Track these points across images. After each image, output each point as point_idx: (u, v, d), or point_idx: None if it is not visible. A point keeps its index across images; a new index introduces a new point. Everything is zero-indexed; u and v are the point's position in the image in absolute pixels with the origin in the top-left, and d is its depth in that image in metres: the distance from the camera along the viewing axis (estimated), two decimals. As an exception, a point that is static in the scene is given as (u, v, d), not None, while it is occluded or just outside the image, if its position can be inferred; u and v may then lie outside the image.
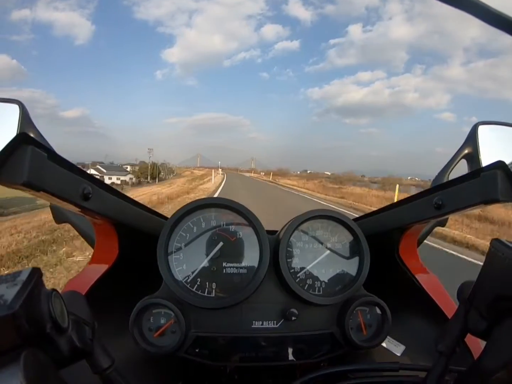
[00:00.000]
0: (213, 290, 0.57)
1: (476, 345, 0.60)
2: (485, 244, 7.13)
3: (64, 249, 5.17)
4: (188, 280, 0.57)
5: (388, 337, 0.60)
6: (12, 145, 0.34)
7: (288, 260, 0.60)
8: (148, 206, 0.67)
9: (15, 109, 0.62)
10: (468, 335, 0.42)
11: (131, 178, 73.78)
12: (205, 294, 0.57)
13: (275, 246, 0.60)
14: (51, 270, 4.26)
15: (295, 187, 35.63)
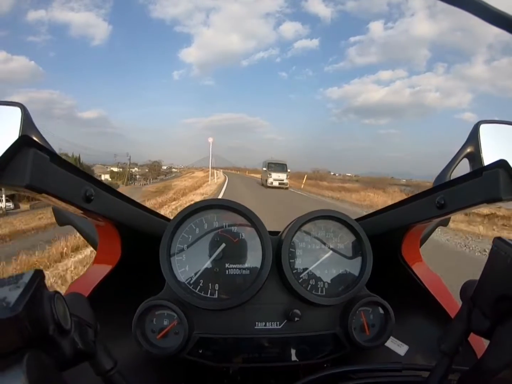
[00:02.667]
0: (216, 292, 0.57)
1: (479, 344, 0.59)
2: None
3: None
4: (191, 282, 0.57)
5: (391, 337, 0.60)
6: (14, 148, 0.34)
7: (291, 261, 0.59)
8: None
9: (17, 112, 0.62)
10: (471, 334, 0.42)
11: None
12: (208, 296, 0.57)
13: (277, 247, 0.60)
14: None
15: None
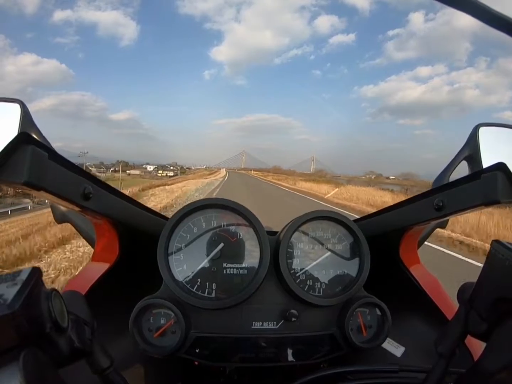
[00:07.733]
0: (213, 291, 0.57)
1: (476, 346, 0.60)
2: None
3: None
4: (188, 281, 0.57)
5: (388, 338, 0.60)
6: (13, 145, 0.34)
7: (289, 261, 0.59)
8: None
9: (16, 109, 0.62)
10: (468, 336, 0.42)
11: None
12: (205, 295, 0.57)
13: (275, 247, 0.60)
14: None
15: None
